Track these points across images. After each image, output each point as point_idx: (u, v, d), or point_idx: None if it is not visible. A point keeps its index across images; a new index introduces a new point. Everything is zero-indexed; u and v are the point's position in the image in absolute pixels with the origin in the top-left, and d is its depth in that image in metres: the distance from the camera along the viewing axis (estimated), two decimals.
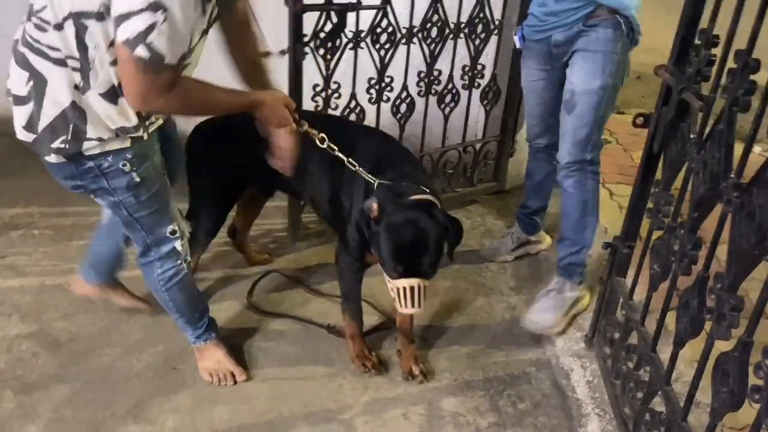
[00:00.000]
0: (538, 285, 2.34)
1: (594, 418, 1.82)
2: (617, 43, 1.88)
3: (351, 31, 2.25)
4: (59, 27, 1.30)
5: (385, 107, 2.51)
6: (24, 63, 1.37)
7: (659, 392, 1.52)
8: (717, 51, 1.43)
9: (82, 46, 1.31)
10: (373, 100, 2.46)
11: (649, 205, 1.71)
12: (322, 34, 2.19)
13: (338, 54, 2.26)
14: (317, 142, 1.69)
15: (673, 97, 1.58)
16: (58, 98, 1.36)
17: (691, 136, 1.48)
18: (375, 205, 1.63)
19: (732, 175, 1.27)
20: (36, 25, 1.33)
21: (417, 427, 1.79)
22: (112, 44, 1.29)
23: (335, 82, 2.32)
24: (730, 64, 1.30)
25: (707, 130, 1.41)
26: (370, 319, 2.13)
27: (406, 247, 1.60)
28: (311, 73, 2.26)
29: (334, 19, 2.18)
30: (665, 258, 1.55)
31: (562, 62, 2.01)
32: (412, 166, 1.91)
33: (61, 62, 1.33)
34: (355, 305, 1.97)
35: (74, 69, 1.34)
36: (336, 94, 2.34)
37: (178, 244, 1.68)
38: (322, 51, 2.22)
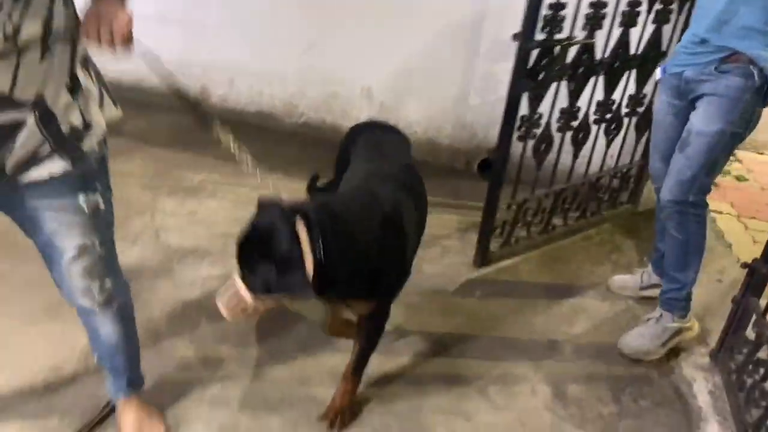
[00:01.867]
0: None
1: (714, 424, 1.93)
2: (746, 92, 1.87)
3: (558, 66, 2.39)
4: None
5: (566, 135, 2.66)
6: None
7: None
8: None
9: None
10: (559, 129, 2.60)
11: None
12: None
13: (548, 87, 2.41)
14: None
15: None
16: None
17: None
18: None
19: None
20: None
21: (542, 402, 1.99)
22: None
23: (538, 113, 2.46)
24: None
25: None
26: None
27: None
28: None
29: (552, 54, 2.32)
30: None
31: (688, 100, 2.02)
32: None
33: None
34: None
35: None
36: (536, 124, 2.49)
37: None
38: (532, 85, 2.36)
